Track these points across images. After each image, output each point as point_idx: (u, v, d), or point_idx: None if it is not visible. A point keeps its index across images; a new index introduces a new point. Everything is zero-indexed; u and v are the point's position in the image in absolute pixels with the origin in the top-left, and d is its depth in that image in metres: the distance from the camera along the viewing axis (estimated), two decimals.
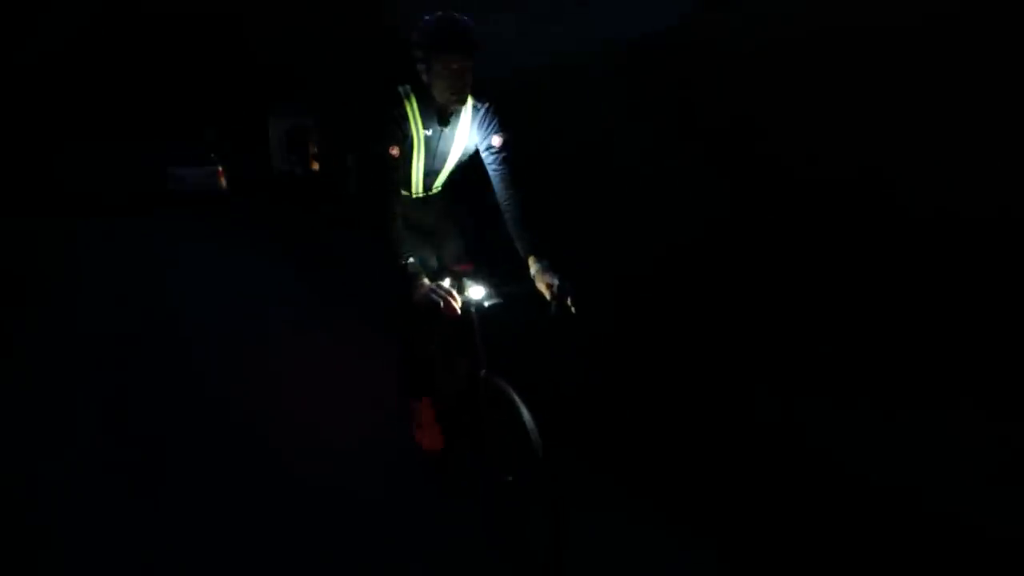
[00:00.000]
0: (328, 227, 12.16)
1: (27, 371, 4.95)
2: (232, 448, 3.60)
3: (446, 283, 2.53)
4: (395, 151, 2.65)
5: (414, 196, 2.99)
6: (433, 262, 2.98)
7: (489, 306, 2.57)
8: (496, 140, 2.76)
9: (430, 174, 2.92)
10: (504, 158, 2.76)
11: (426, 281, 2.49)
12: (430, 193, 3.04)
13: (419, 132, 2.71)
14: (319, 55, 20.73)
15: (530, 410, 2.34)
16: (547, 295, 2.56)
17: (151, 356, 5.23)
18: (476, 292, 2.57)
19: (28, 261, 9.83)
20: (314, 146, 19.88)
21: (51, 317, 6.53)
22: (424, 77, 2.63)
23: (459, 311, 2.46)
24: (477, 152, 2.89)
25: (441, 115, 2.72)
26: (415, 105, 2.68)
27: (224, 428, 3.84)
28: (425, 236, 3.04)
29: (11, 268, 9.08)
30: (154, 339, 5.66)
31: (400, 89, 2.70)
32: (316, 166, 20.03)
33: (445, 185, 3.07)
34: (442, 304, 2.41)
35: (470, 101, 2.76)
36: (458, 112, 2.75)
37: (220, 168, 18.38)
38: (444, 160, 2.88)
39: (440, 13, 2.63)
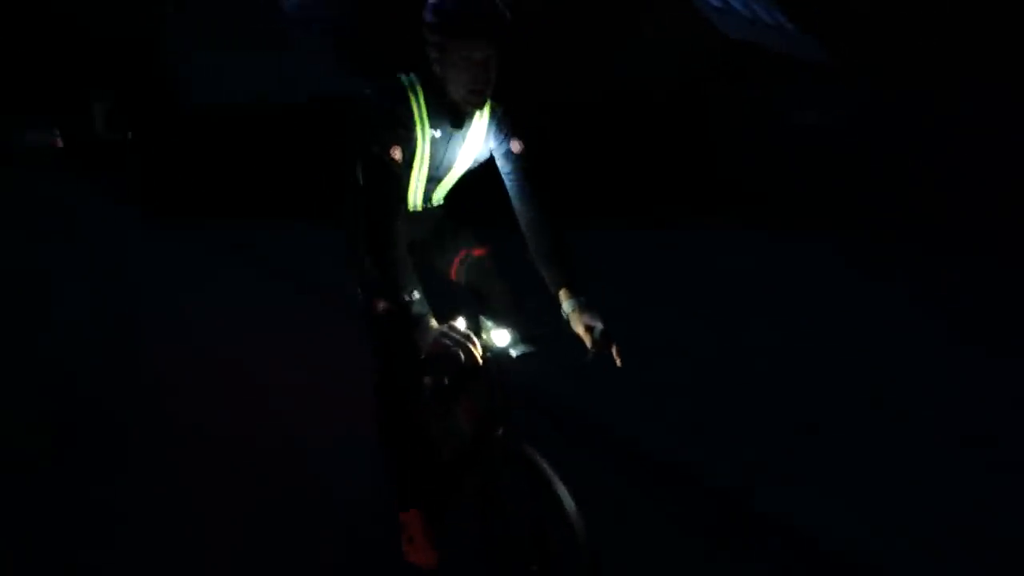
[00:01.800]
0: (125, 166, 23.35)
1: None
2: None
3: (460, 324, 2.00)
4: (396, 153, 2.11)
5: (410, 209, 2.45)
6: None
7: (517, 356, 2.06)
8: (516, 146, 2.28)
9: (432, 182, 2.41)
10: (525, 168, 2.29)
11: (435, 323, 1.99)
12: (428, 206, 2.52)
13: (425, 132, 2.20)
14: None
15: (567, 485, 1.92)
16: (586, 340, 2.12)
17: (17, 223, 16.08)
18: (500, 338, 2.06)
19: None
20: (126, 120, 30.87)
21: None
22: (436, 67, 2.11)
23: (480, 360, 1.96)
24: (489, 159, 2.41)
25: (455, 114, 2.21)
26: (422, 100, 2.17)
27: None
28: (420, 248, 2.53)
29: None
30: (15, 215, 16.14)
31: (404, 79, 2.20)
32: (129, 134, 31.08)
33: (446, 197, 2.58)
34: (462, 356, 1.92)
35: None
36: (472, 112, 2.24)
37: (58, 132, 29.28)
38: (451, 167, 2.38)
39: None
